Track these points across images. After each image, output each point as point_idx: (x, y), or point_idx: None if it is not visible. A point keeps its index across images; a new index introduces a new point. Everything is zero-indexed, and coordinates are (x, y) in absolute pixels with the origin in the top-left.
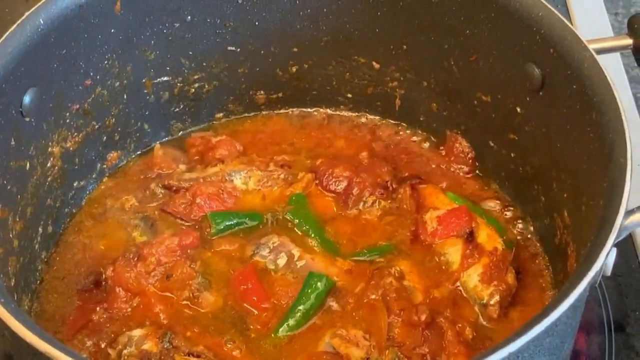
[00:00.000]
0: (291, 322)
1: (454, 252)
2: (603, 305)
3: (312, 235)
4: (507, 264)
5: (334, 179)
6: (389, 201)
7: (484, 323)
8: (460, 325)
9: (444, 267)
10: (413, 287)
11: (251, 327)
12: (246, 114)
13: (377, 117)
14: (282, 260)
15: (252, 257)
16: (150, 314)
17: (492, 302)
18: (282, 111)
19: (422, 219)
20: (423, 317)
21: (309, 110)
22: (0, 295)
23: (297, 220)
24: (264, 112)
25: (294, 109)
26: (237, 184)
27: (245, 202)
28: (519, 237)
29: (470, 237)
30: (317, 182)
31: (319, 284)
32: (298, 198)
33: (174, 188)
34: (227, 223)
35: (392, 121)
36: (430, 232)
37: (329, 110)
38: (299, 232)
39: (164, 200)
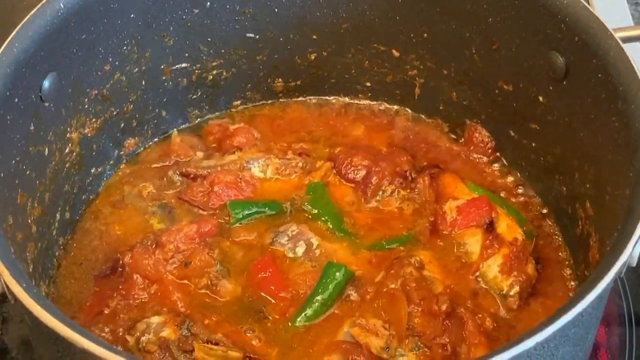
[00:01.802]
0: (309, 312)
1: (473, 242)
2: (624, 298)
3: (331, 226)
4: (527, 254)
5: (352, 168)
6: (407, 190)
7: (504, 313)
8: (480, 315)
9: (463, 258)
10: (433, 278)
11: (269, 316)
12: (264, 102)
13: (396, 106)
14: (300, 249)
15: (271, 245)
16: (167, 301)
17: (511, 293)
18: (300, 99)
19: (441, 209)
20: (444, 307)
21: (327, 98)
22: (22, 280)
23: (316, 210)
24: (281, 100)
25: (312, 97)
26: (254, 172)
27: (263, 190)
28: (539, 228)
29: (490, 228)
30: (335, 170)
31: (337, 274)
32: (316, 187)
33: (192, 176)
34: (246, 212)
35: (411, 110)
36: (450, 222)
37: (347, 99)
38: (318, 221)
39: (181, 188)
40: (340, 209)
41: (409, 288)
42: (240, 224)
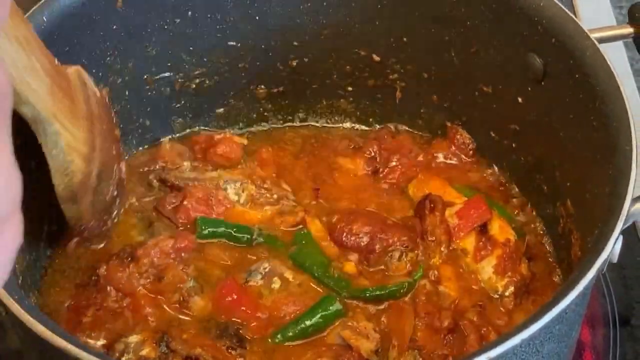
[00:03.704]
0: (290, 333)
1: (467, 244)
2: (608, 298)
3: (316, 275)
4: (520, 255)
5: (353, 236)
6: (416, 252)
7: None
8: (485, 329)
9: (463, 263)
10: (447, 293)
11: (247, 336)
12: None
13: (378, 111)
14: (276, 285)
15: (245, 284)
16: (139, 315)
17: (507, 294)
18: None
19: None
20: (445, 323)
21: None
22: (14, 292)
23: (301, 263)
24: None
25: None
26: (229, 193)
27: (233, 214)
28: (526, 227)
29: (483, 229)
30: (334, 236)
31: (330, 307)
32: (304, 237)
33: (169, 184)
34: (213, 229)
35: (393, 114)
36: (454, 228)
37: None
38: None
39: (158, 195)
40: (328, 257)
41: (418, 301)
42: (211, 241)
